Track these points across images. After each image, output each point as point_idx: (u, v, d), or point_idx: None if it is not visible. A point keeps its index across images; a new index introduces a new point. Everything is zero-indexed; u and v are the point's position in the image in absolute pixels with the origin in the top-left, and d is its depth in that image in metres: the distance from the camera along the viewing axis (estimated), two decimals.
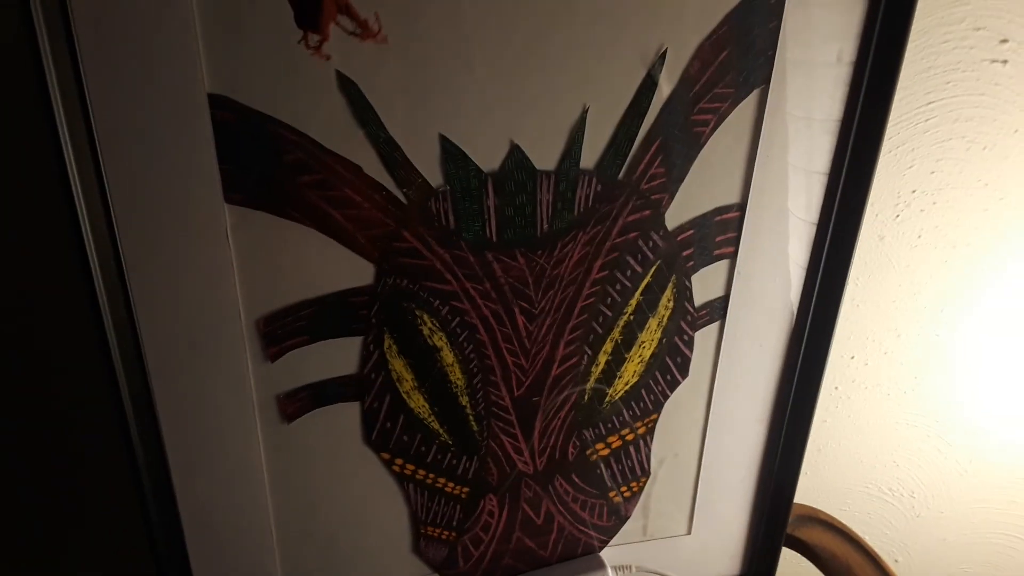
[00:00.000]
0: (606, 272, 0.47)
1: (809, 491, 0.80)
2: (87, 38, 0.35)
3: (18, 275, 0.51)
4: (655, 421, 0.54)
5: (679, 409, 0.54)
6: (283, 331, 0.44)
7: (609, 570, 0.56)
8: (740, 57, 0.42)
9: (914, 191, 0.65)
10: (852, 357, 0.73)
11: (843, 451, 0.78)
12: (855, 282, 0.68)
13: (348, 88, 0.39)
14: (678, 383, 0.53)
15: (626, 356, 0.50)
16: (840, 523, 0.68)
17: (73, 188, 0.37)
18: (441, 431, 0.49)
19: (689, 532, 0.59)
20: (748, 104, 0.44)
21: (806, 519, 0.68)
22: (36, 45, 0.34)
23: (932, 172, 0.64)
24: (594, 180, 0.44)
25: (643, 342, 0.50)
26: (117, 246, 0.39)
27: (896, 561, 0.87)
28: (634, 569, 0.58)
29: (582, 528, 0.56)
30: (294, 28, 0.37)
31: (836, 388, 0.74)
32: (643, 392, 0.52)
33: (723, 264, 0.49)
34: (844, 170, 0.46)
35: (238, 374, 0.44)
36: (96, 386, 0.52)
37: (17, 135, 0.47)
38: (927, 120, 0.62)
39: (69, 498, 0.60)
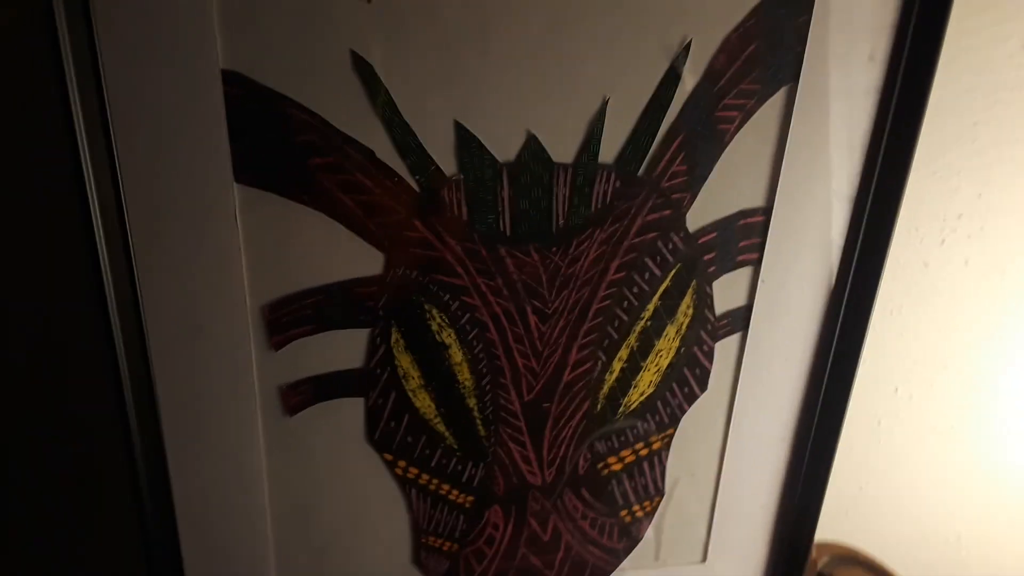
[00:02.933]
0: (623, 273, 0.45)
1: (849, 531, 0.76)
2: (103, 11, 0.35)
3: (23, 250, 0.50)
4: (671, 436, 0.51)
5: (697, 425, 0.51)
6: (288, 319, 0.43)
7: None
8: (768, 52, 0.41)
9: (960, 216, 0.63)
10: (896, 390, 0.70)
11: (885, 490, 0.75)
12: (899, 311, 0.65)
13: (363, 69, 0.38)
14: (696, 397, 0.50)
15: (642, 364, 0.48)
16: (881, 565, 0.64)
17: (83, 162, 0.36)
18: (447, 434, 0.48)
19: (704, 560, 0.56)
20: (775, 102, 0.43)
21: (847, 560, 0.65)
22: (52, 18, 0.34)
23: (979, 195, 0.62)
24: (613, 175, 0.43)
25: (660, 350, 0.48)
26: (125, 222, 0.38)
27: None
28: None
29: (591, 548, 0.54)
30: (310, 5, 0.36)
31: (879, 423, 0.71)
32: (659, 404, 0.50)
33: (746, 271, 0.47)
34: (874, 183, 0.45)
35: (241, 361, 0.43)
36: (96, 367, 0.51)
37: (28, 108, 0.47)
38: (973, 142, 0.60)
39: (63, 490, 0.59)
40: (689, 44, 0.40)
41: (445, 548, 0.51)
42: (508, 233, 0.43)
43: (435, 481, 0.49)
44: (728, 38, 0.40)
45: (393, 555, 0.51)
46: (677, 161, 0.43)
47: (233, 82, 0.37)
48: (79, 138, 0.36)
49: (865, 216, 0.45)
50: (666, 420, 0.51)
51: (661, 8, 0.39)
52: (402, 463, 0.48)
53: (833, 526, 0.71)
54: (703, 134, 0.42)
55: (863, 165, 0.45)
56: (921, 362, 0.68)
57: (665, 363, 0.49)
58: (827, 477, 0.53)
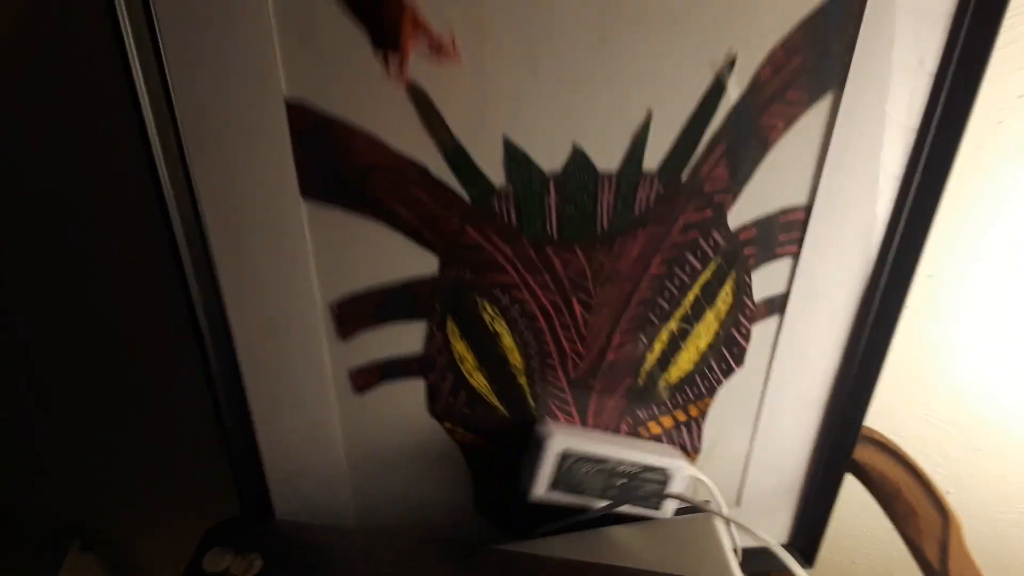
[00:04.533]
0: (665, 268, 0.47)
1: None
2: (174, 50, 0.37)
3: (117, 270, 0.56)
4: (708, 405, 0.55)
5: (733, 394, 0.55)
6: (354, 315, 0.47)
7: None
8: (814, 62, 0.41)
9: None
10: (929, 276, 0.70)
11: (905, 373, 0.76)
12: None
13: (418, 96, 0.40)
14: (733, 371, 0.54)
15: (681, 345, 0.51)
16: (894, 445, 0.65)
17: (163, 187, 0.40)
18: (500, 406, 0.52)
19: (738, 504, 0.61)
20: (821, 107, 0.43)
21: (859, 438, 0.66)
22: (126, 58, 0.37)
23: None
24: (656, 182, 0.44)
25: (699, 334, 0.51)
26: (206, 240, 0.42)
27: (948, 492, 0.85)
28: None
29: None
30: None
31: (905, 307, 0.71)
32: (697, 378, 0.53)
33: (786, 261, 0.49)
34: (921, 166, 0.45)
35: (314, 351, 0.48)
36: (191, 363, 0.58)
37: (112, 139, 0.50)
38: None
39: (164, 446, 0.67)
40: (735, 58, 0.40)
41: (501, 498, 0.57)
42: (555, 236, 0.45)
43: (491, 443, 0.54)
44: (774, 51, 0.40)
45: (459, 503, 0.57)
46: (720, 167, 0.44)
47: (296, 110, 0.40)
48: (159, 169, 0.40)
49: (906, 208, 0.46)
50: (704, 391, 0.54)
51: (708, 23, 0.39)
52: (460, 429, 0.53)
53: None
54: (747, 140, 0.43)
55: (913, 146, 0.45)
56: (954, 251, 0.68)
57: (704, 344, 0.52)
58: (855, 436, 0.56)
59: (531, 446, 0.51)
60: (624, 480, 0.52)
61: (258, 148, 0.41)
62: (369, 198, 0.43)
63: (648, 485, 0.53)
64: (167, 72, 0.38)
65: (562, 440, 0.49)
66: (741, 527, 0.52)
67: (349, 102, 0.40)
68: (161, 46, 0.37)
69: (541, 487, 0.50)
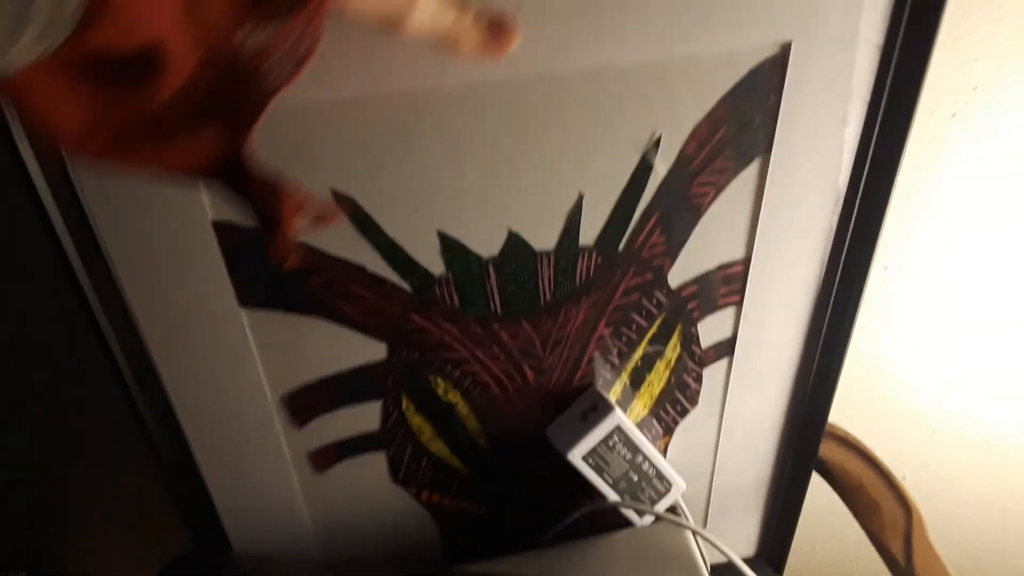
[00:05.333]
0: (611, 329, 0.48)
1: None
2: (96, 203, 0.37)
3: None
4: (668, 443, 0.56)
5: (692, 429, 0.56)
6: (308, 404, 0.47)
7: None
8: (738, 134, 0.41)
9: None
10: (885, 268, 0.70)
11: (858, 363, 0.77)
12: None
13: (345, 202, 0.40)
14: (688, 411, 0.55)
15: (635, 394, 0.52)
16: (854, 439, 0.67)
17: (99, 321, 0.40)
18: (463, 468, 0.53)
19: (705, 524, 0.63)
20: (750, 171, 0.43)
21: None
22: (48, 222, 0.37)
23: None
24: (594, 254, 0.44)
25: (651, 382, 0.52)
26: (150, 359, 0.42)
27: (904, 478, 0.87)
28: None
29: None
30: (293, 151, 0.38)
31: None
32: (654, 421, 0.54)
33: (730, 310, 0.50)
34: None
35: (271, 440, 0.48)
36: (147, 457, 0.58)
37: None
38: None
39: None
40: (659, 138, 0.41)
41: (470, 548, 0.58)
42: (499, 312, 0.46)
43: (456, 501, 0.55)
44: (698, 127, 0.41)
45: (429, 558, 0.58)
46: (655, 235, 0.45)
47: (225, 230, 0.39)
48: (92, 303, 0.39)
49: (841, 260, 0.47)
50: (661, 431, 0.55)
51: (630, 109, 0.39)
52: (425, 492, 0.54)
53: None
54: (679, 209, 0.44)
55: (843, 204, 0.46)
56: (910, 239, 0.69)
57: (657, 391, 0.53)
58: (813, 459, 0.58)
59: (585, 410, 0.50)
60: (637, 478, 0.53)
61: (191, 267, 0.40)
62: (309, 300, 0.43)
63: (650, 492, 0.54)
64: (88, 212, 0.37)
65: (620, 416, 0.49)
66: (709, 541, 0.53)
67: None
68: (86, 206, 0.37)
69: (581, 451, 0.49)
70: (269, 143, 0.31)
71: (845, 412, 0.78)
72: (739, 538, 0.66)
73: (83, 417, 0.63)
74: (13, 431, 0.64)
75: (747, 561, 0.65)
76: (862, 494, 0.69)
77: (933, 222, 0.69)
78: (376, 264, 0.42)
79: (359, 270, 0.42)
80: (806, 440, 0.57)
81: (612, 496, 0.52)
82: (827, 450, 0.66)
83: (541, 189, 0.41)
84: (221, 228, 0.39)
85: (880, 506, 0.68)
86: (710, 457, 0.59)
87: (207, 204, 0.38)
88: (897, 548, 0.67)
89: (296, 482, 0.51)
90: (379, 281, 0.43)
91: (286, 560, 0.52)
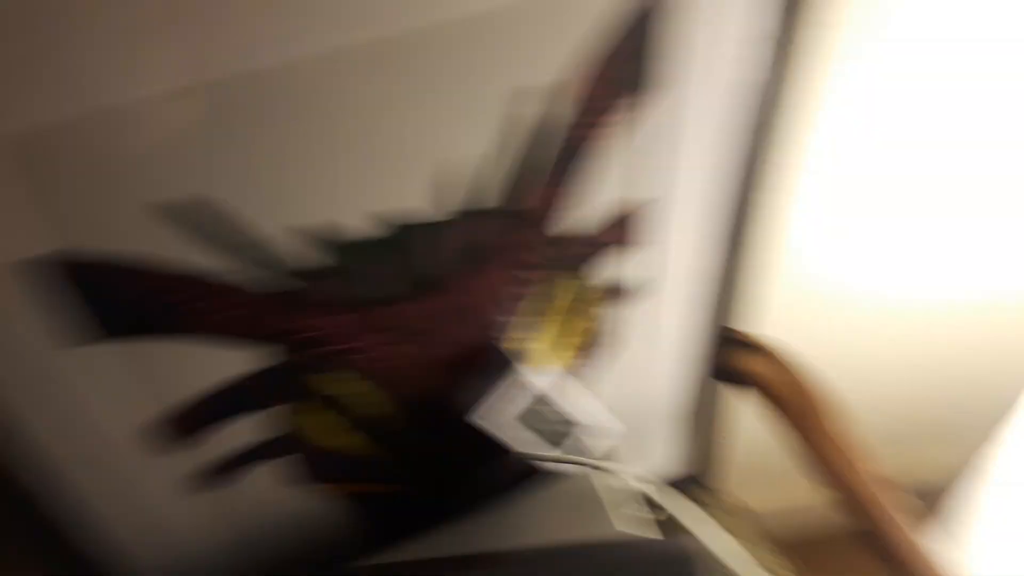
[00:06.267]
0: (503, 290, 0.46)
1: None
2: None
3: None
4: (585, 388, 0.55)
5: (604, 372, 0.55)
6: (194, 422, 0.44)
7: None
8: (618, 74, 0.38)
9: None
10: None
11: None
12: None
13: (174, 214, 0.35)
14: (599, 354, 0.54)
15: (542, 346, 0.50)
16: (767, 343, 0.62)
17: None
18: (376, 454, 0.51)
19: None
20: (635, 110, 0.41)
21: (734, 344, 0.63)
22: None
23: None
24: (481, 215, 0.42)
25: (556, 332, 0.50)
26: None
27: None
28: None
29: None
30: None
31: None
32: (567, 370, 0.53)
33: (630, 249, 0.48)
34: None
35: (158, 465, 0.45)
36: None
37: None
38: None
39: None
40: (524, 92, 0.37)
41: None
42: (374, 297, 0.43)
43: (369, 486, 0.53)
44: (565, 68, 0.37)
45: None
46: (543, 185, 0.42)
47: (57, 266, 0.35)
48: None
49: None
50: (575, 378, 0.54)
51: (491, 57, 0.36)
52: (329, 486, 0.52)
53: None
54: (565, 157, 0.41)
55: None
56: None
57: (564, 339, 0.51)
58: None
59: (489, 371, 0.48)
60: (559, 429, 0.50)
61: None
62: (170, 321, 0.39)
63: (575, 441, 0.51)
64: None
65: (522, 370, 0.48)
66: (613, 474, 0.51)
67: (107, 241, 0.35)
68: None
69: (486, 410, 0.48)
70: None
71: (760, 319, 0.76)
72: (670, 461, 0.66)
73: None
74: None
75: (679, 480, 0.66)
76: (771, 394, 0.67)
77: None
78: (239, 269, 0.38)
79: (207, 284, 0.38)
80: (715, 353, 0.58)
81: (520, 451, 0.50)
82: (740, 361, 0.64)
83: (411, 158, 0.38)
84: (52, 266, 0.35)
85: (804, 411, 0.66)
86: (627, 394, 0.58)
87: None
88: (824, 449, 0.64)
89: (197, 503, 0.48)
90: (231, 290, 0.39)
91: None
